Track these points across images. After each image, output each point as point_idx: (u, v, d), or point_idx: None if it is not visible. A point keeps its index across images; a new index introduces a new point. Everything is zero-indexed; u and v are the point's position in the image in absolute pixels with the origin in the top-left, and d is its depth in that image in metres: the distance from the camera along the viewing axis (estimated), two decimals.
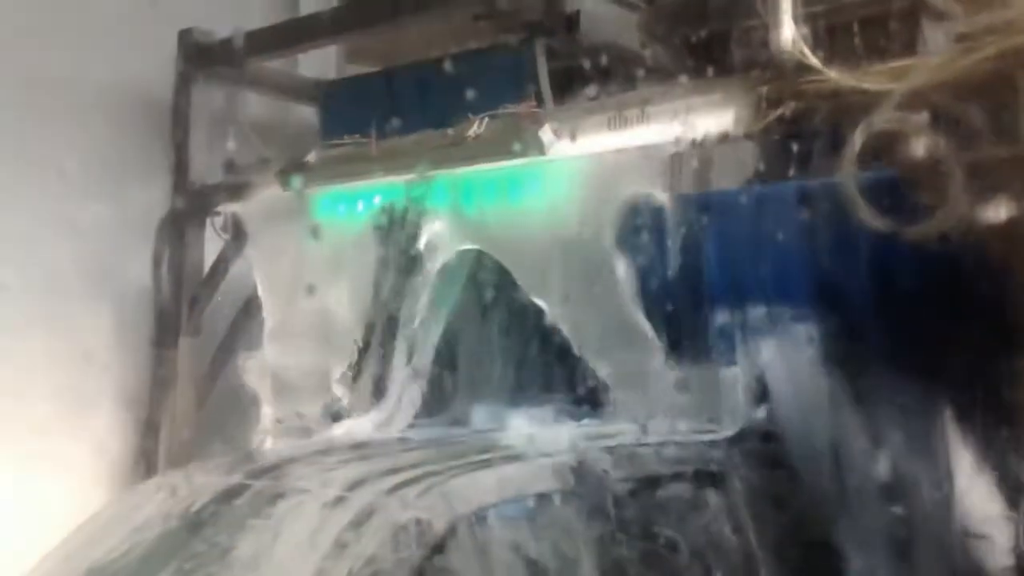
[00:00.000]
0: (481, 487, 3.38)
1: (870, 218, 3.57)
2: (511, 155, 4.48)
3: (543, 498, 3.42)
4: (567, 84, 4.76)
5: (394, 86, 5.39)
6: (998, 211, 3.41)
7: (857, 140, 3.55)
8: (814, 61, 3.70)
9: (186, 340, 6.00)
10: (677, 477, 3.78)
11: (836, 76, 3.68)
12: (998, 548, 3.91)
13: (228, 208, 5.79)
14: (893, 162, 3.61)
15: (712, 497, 3.82)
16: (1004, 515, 3.91)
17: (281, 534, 3.29)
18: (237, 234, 5.80)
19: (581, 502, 3.45)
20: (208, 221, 5.96)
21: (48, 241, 5.71)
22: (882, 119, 3.52)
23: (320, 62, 6.68)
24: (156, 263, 6.01)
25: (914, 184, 3.60)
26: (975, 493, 3.92)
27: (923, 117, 3.55)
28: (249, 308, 5.94)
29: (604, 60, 4.69)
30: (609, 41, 4.88)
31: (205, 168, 5.96)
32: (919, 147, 3.56)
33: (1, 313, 5.46)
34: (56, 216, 5.73)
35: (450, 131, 4.71)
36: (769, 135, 3.90)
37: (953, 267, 3.62)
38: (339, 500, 3.32)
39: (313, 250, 5.23)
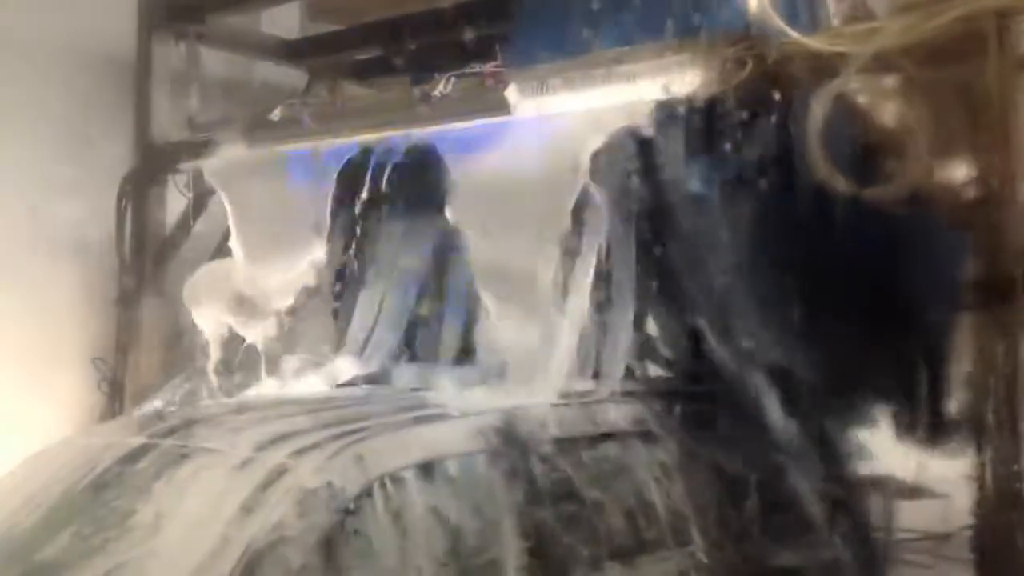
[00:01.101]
0: (399, 448, 3.28)
1: (833, 180, 3.60)
2: (477, 115, 4.46)
3: (465, 459, 3.33)
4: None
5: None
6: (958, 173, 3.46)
7: (822, 102, 3.57)
8: (780, 23, 3.70)
9: (150, 299, 5.97)
10: (607, 437, 3.72)
11: (802, 38, 3.68)
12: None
13: (191, 166, 5.73)
14: (857, 125, 3.65)
15: (642, 455, 3.76)
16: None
17: (184, 498, 3.16)
18: (200, 192, 5.76)
19: (506, 463, 3.38)
20: (171, 179, 5.89)
21: (9, 200, 5.65)
22: (847, 81, 3.54)
23: (283, 19, 6.60)
24: (119, 222, 5.95)
25: (877, 147, 3.64)
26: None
27: (888, 79, 3.59)
28: None
29: None
30: None
31: (167, 126, 5.90)
32: (882, 110, 3.61)
33: None
34: (17, 175, 5.67)
35: (416, 89, 4.69)
36: (735, 96, 3.90)
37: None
38: (247, 461, 3.19)
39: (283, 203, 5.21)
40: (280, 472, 3.08)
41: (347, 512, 2.98)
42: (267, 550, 2.84)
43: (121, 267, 6.00)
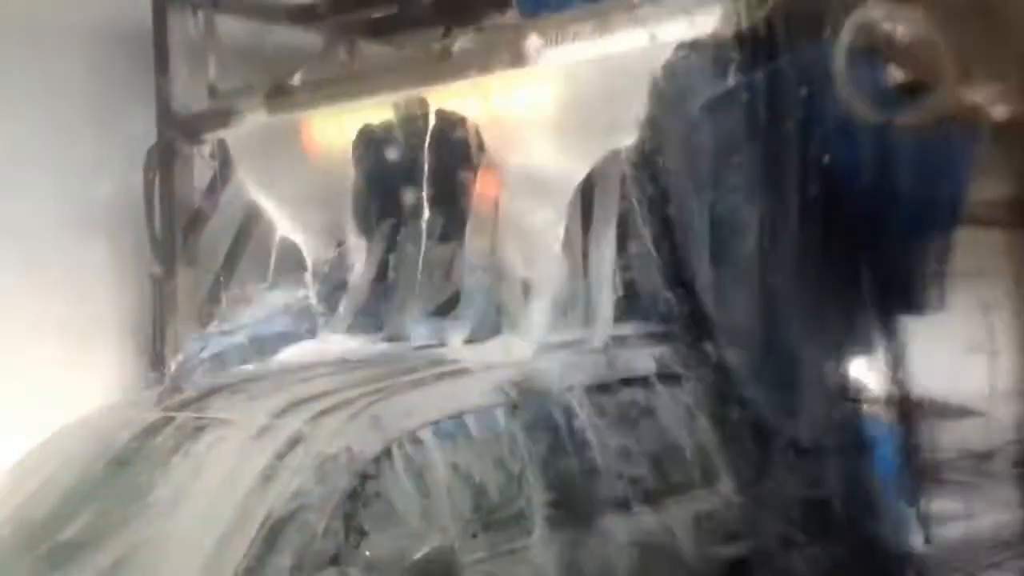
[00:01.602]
0: (416, 407, 3.26)
1: (860, 107, 3.59)
2: (497, 67, 4.45)
3: (485, 414, 3.31)
4: None
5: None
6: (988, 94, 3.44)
7: (848, 31, 3.55)
8: None
9: (183, 269, 6.02)
10: (630, 381, 3.71)
11: None
12: None
13: (215, 135, 5.75)
14: (885, 51, 3.63)
15: (666, 397, 3.76)
16: None
17: (202, 471, 3.15)
18: (226, 161, 5.78)
19: (526, 415, 3.37)
20: (195, 149, 5.92)
21: (36, 179, 5.69)
22: (872, 9, 3.52)
23: None
24: (147, 194, 5.99)
25: (905, 72, 3.63)
26: None
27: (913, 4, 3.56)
28: (243, 233, 5.97)
29: None
30: None
31: (188, 96, 5.91)
32: (909, 35, 3.58)
33: None
34: (42, 154, 5.71)
35: (435, 45, 4.68)
36: (758, 32, 3.89)
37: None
38: (264, 430, 3.18)
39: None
40: (297, 439, 3.07)
41: (366, 475, 2.98)
42: (288, 518, 2.85)
43: (152, 239, 6.05)
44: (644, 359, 3.86)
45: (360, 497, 2.96)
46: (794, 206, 4.01)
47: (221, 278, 6.03)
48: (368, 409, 3.18)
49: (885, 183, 3.87)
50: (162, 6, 5.86)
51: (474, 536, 3.11)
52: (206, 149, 5.87)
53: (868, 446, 4.14)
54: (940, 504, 5.57)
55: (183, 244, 6.01)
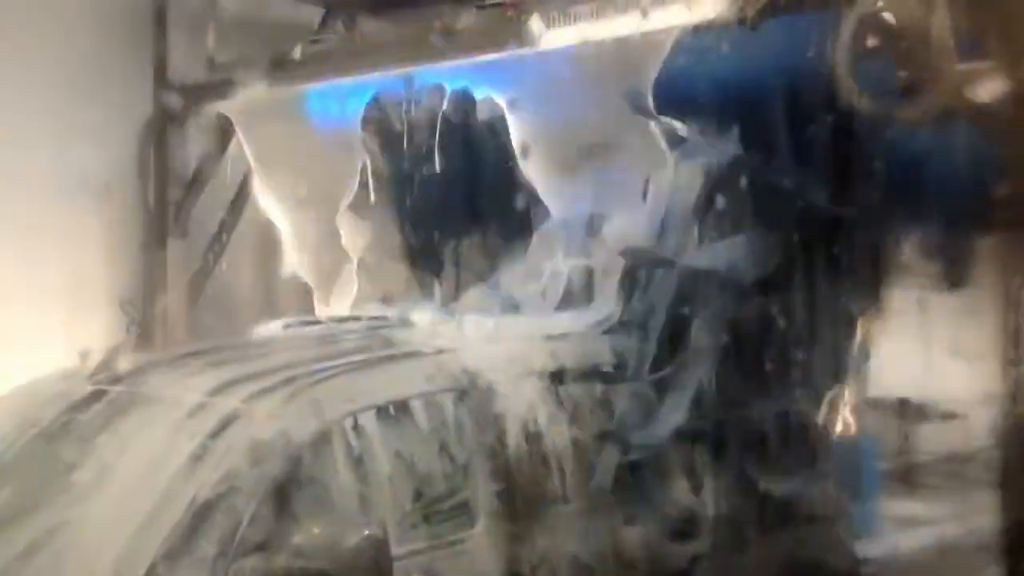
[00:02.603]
0: (360, 390, 3.12)
1: (860, 101, 3.60)
2: (501, 46, 4.45)
3: (432, 400, 3.16)
4: None
5: None
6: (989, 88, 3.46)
7: (848, 23, 3.55)
8: None
9: (175, 241, 6.01)
10: (591, 371, 3.57)
11: None
12: None
13: (212, 108, 5.73)
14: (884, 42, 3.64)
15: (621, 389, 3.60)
16: None
17: (129, 449, 2.98)
18: (222, 134, 5.76)
19: (474, 404, 3.22)
20: (192, 121, 5.90)
21: (33, 145, 5.65)
22: (873, 2, 3.54)
23: None
24: (142, 166, 5.98)
25: (906, 65, 3.64)
26: None
27: None
28: (236, 208, 5.97)
29: None
30: None
31: (187, 67, 5.89)
32: (910, 26, 3.60)
33: None
34: (40, 121, 5.66)
35: (438, 23, 4.67)
36: (763, 17, 3.90)
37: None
38: (198, 408, 3.03)
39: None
40: (232, 419, 2.94)
41: (301, 460, 2.86)
42: (215, 502, 2.72)
43: (146, 210, 6.04)
44: (604, 351, 3.72)
45: (294, 482, 2.84)
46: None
47: (212, 252, 6.03)
48: (308, 391, 3.05)
49: (873, 176, 3.92)
50: None
51: (413, 526, 3.01)
52: (203, 121, 5.85)
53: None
54: (917, 508, 5.64)
55: (175, 216, 5.99)
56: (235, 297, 6.27)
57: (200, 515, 2.69)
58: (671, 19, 4.07)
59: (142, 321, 6.10)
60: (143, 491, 2.80)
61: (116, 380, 3.38)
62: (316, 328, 4.35)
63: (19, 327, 5.52)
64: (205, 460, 2.80)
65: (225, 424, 2.90)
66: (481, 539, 3.08)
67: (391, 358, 3.41)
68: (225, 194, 6.00)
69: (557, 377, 3.46)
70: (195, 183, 6.02)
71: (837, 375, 4.18)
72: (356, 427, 2.97)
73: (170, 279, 6.04)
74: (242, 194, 5.88)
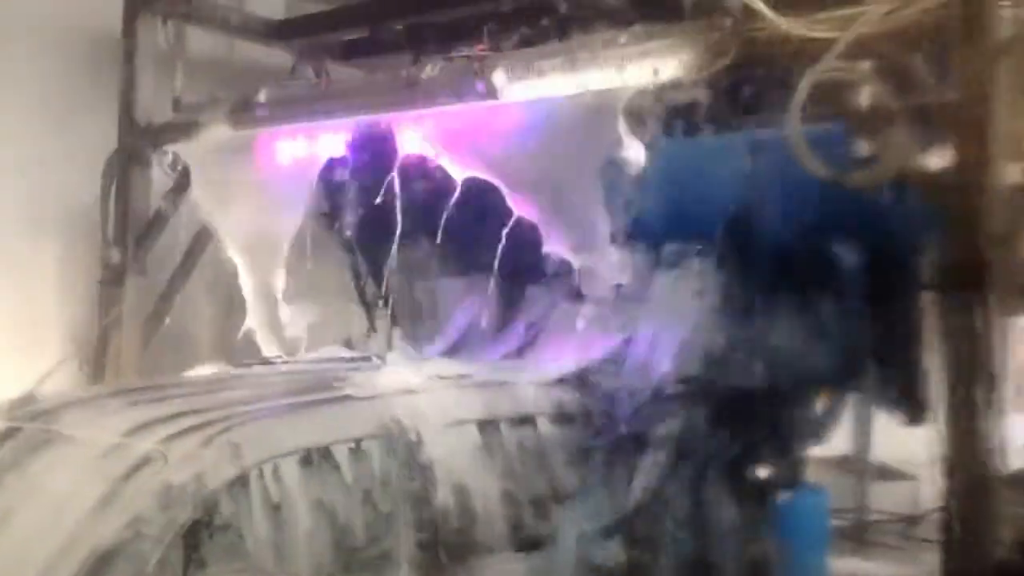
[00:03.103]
0: (282, 434, 3.03)
1: (814, 166, 3.65)
2: (464, 97, 4.49)
3: (357, 447, 3.07)
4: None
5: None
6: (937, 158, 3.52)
7: (803, 87, 3.61)
8: (762, 7, 3.75)
9: (132, 279, 5.96)
10: (524, 420, 3.51)
11: (783, 23, 3.73)
12: None
13: (176, 147, 5.73)
14: (838, 110, 3.70)
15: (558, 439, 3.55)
16: None
17: (37, 490, 2.90)
18: (184, 173, 5.76)
19: (403, 450, 3.14)
20: (155, 159, 5.89)
21: None
22: (828, 67, 3.59)
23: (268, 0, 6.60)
24: (103, 201, 5.94)
25: (858, 132, 3.70)
26: None
27: (868, 65, 3.64)
28: (196, 248, 5.93)
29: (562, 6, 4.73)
30: None
31: (152, 106, 5.89)
32: (863, 95, 3.66)
33: None
34: (2, 152, 5.65)
35: (404, 72, 4.72)
36: (718, 81, 3.96)
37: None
38: (112, 449, 2.94)
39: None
40: (145, 462, 2.85)
41: (215, 505, 2.77)
42: (119, 548, 2.63)
43: (104, 246, 5.99)
44: (538, 399, 3.68)
45: (207, 528, 2.74)
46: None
47: (170, 291, 5.99)
48: (227, 434, 2.95)
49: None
50: (133, 13, 5.85)
51: (331, 575, 2.93)
52: (166, 160, 5.84)
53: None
54: (867, 566, 5.64)
55: (134, 254, 5.95)
56: (190, 338, 6.22)
57: (103, 561, 2.60)
58: (637, 77, 4.14)
59: (95, 358, 6.03)
60: (46, 535, 2.70)
61: (33, 418, 3.30)
62: (251, 370, 4.27)
63: None
64: (113, 504, 2.72)
65: (138, 467, 2.82)
66: None
67: (320, 402, 3.33)
68: (185, 234, 5.97)
69: (489, 426, 3.40)
70: (156, 222, 5.99)
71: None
72: (276, 473, 2.87)
73: (126, 317, 5.98)
74: (202, 235, 5.86)
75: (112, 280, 5.98)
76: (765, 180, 4.08)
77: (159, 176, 5.94)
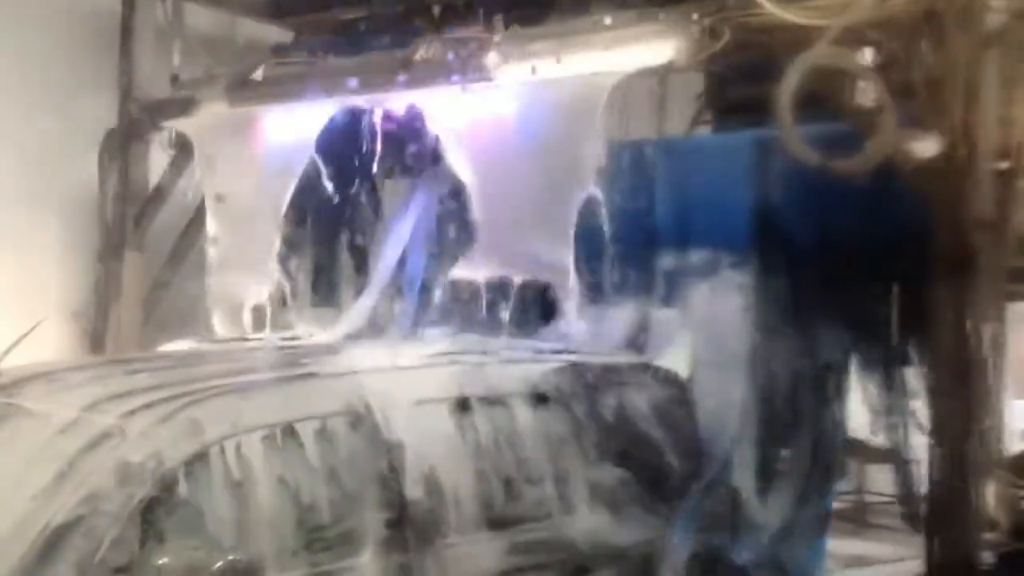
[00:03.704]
0: (245, 411, 2.94)
1: (802, 152, 3.66)
2: (458, 79, 4.50)
3: (322, 424, 3.00)
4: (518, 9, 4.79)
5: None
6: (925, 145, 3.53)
7: (794, 74, 3.62)
8: None
9: (131, 255, 6.00)
10: (497, 400, 3.41)
11: (776, 10, 3.73)
12: None
13: (173, 123, 5.75)
14: (828, 98, 3.71)
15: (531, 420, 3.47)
16: None
17: None
18: (183, 150, 5.79)
19: (373, 429, 3.06)
20: (154, 136, 5.92)
21: None
22: (819, 54, 3.60)
23: None
24: (102, 178, 5.98)
25: (847, 119, 3.71)
26: None
27: (859, 52, 3.65)
28: (194, 224, 5.96)
29: None
30: None
31: (151, 82, 5.91)
32: (853, 82, 3.67)
33: None
34: (2, 128, 5.68)
35: (398, 53, 4.73)
36: (710, 66, 3.97)
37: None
38: (71, 424, 2.86)
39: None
40: (103, 436, 2.77)
41: (174, 481, 2.70)
42: (74, 523, 2.56)
43: (103, 222, 6.03)
44: (517, 375, 3.59)
45: (165, 504, 2.67)
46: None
47: (169, 267, 6.04)
48: (187, 410, 2.87)
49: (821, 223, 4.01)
50: None
51: (293, 553, 2.85)
52: (164, 136, 5.87)
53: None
54: (867, 547, 5.68)
55: (133, 230, 5.99)
56: (189, 314, 6.26)
57: (56, 536, 2.55)
58: (631, 61, 4.16)
59: (93, 333, 6.09)
60: (2, 510, 2.65)
61: None
62: (222, 346, 4.26)
63: None
64: (69, 479, 2.66)
65: (96, 442, 2.76)
66: (368, 569, 2.95)
67: (285, 379, 3.26)
68: (184, 211, 6.00)
69: (461, 404, 3.34)
70: (155, 198, 6.03)
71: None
72: (238, 450, 2.83)
73: (125, 293, 6.02)
74: (201, 211, 5.88)
75: (111, 255, 6.02)
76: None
77: (158, 152, 5.97)
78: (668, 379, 3.92)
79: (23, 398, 3.11)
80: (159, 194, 6.01)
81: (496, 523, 3.22)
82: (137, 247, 6.02)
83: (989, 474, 3.59)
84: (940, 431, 3.63)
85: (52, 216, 6.04)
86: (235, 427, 2.86)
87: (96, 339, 6.05)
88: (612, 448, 3.57)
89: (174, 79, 5.86)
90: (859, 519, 6.38)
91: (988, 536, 3.61)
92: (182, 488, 2.70)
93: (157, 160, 6.00)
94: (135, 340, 5.94)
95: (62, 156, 5.99)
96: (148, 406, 2.88)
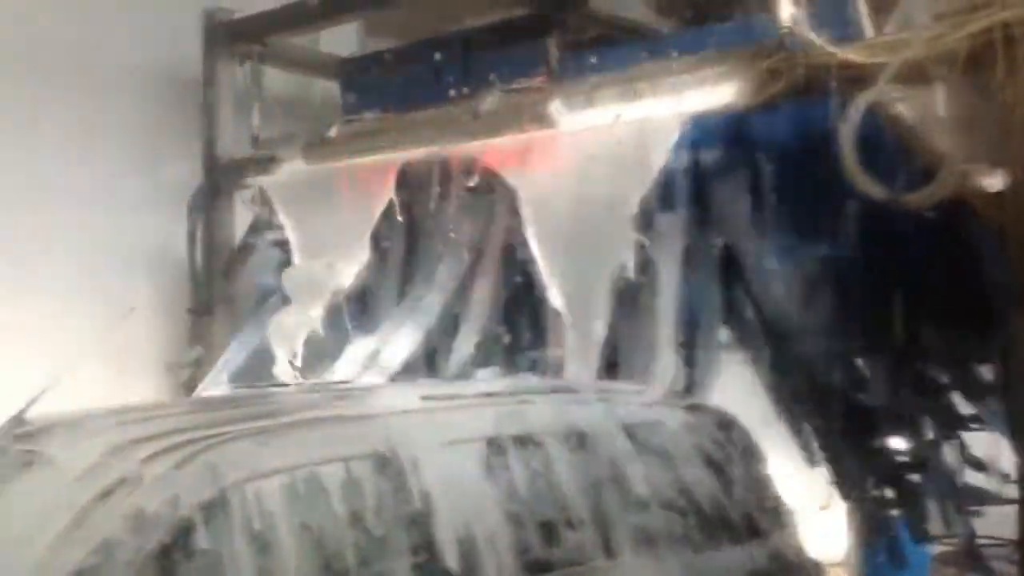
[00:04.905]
0: (265, 455, 2.85)
1: (869, 187, 3.67)
2: (523, 128, 4.60)
3: (346, 467, 2.91)
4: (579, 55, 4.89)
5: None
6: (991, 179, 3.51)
7: (856, 111, 3.63)
8: (813, 36, 3.78)
9: (220, 307, 6.23)
10: (529, 440, 3.31)
11: (835, 49, 3.75)
12: None
13: (256, 181, 5.97)
14: (891, 132, 3.71)
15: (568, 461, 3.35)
16: None
17: (13, 513, 2.79)
18: (266, 205, 5.99)
19: (396, 473, 2.97)
20: (237, 194, 6.15)
21: (87, 214, 5.97)
22: (879, 90, 3.61)
23: (341, 38, 6.82)
24: (190, 236, 6.22)
25: (911, 152, 3.70)
26: None
27: (920, 88, 3.64)
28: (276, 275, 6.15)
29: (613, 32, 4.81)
30: (618, 14, 4.98)
31: (232, 143, 6.16)
32: (916, 117, 3.67)
33: (49, 282, 5.78)
34: (94, 190, 6.00)
35: (465, 105, 4.85)
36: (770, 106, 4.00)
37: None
38: (89, 470, 2.79)
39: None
40: (119, 483, 2.71)
41: (191, 527, 2.63)
42: (88, 572, 2.52)
43: (193, 278, 6.27)
44: (551, 415, 3.49)
45: (182, 552, 2.60)
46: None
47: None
48: (205, 454, 2.81)
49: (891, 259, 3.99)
50: (212, 55, 6.14)
51: None
52: (247, 194, 6.09)
53: None
54: None
55: (222, 283, 6.21)
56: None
57: None
58: (687, 105, 4.21)
59: (189, 384, 6.30)
60: (15, 564, 2.60)
61: (18, 439, 3.20)
62: (257, 391, 4.21)
63: (66, 390, 5.72)
64: (84, 527, 2.60)
65: (111, 488, 2.70)
66: None
67: (308, 422, 3.16)
68: (270, 263, 6.19)
69: (494, 445, 3.24)
70: (241, 252, 6.24)
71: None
72: (257, 494, 2.75)
73: (216, 343, 6.23)
74: (285, 264, 6.07)
75: (201, 309, 6.25)
76: None
77: (242, 209, 6.19)
78: (717, 418, 3.88)
79: (46, 445, 3.07)
80: (244, 248, 6.23)
81: (533, 568, 3.10)
82: (225, 300, 6.23)
83: None
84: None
85: (144, 274, 6.30)
86: (254, 472, 2.78)
87: (191, 389, 6.26)
88: (657, 490, 3.47)
89: (254, 139, 6.09)
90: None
91: None
92: (200, 535, 2.63)
93: (242, 216, 6.23)
94: None
95: (150, 216, 6.27)
96: (166, 451, 2.82)
